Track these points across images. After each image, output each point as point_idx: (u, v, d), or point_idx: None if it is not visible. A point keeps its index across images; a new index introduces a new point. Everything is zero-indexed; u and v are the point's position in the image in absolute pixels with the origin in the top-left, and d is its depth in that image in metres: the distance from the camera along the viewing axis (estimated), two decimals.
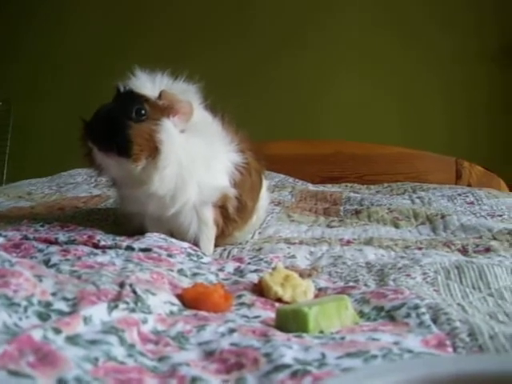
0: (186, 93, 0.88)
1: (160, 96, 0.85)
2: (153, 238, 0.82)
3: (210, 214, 0.89)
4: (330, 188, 1.75)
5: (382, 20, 2.88)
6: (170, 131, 0.82)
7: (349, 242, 0.97)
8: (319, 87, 2.89)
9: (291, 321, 0.53)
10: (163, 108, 0.84)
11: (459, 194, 1.52)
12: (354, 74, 2.88)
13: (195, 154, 0.85)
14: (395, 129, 2.77)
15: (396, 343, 0.46)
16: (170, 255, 0.74)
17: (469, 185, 1.94)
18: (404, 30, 2.86)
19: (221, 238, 0.93)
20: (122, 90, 0.86)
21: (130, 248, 0.75)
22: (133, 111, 0.83)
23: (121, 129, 0.82)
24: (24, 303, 0.50)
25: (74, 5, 3.33)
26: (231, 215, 0.91)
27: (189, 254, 0.77)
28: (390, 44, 2.89)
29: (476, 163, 2.09)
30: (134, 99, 0.85)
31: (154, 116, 0.83)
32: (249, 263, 0.78)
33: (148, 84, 0.87)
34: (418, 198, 1.52)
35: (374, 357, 0.43)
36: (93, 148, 0.84)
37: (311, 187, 1.75)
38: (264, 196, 1.04)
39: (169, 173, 0.82)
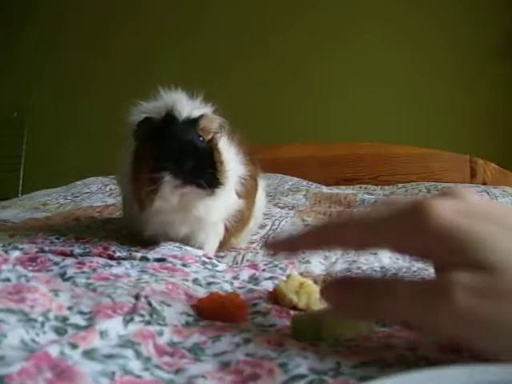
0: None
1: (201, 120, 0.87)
2: (167, 247, 0.83)
3: (222, 229, 0.93)
4: (344, 190, 1.74)
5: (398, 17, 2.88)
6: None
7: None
8: (331, 89, 2.89)
9: (306, 329, 0.53)
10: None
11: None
12: (365, 74, 2.88)
13: None
14: (408, 129, 2.76)
15: (412, 349, 0.46)
16: (184, 264, 0.74)
17: (483, 183, 1.93)
18: (415, 30, 2.85)
19: (218, 247, 0.96)
20: (179, 117, 0.85)
21: (144, 258, 0.75)
22: (200, 140, 0.85)
23: (211, 161, 0.84)
24: (41, 319, 0.50)
25: (85, 10, 3.36)
26: (230, 226, 0.94)
27: (203, 263, 0.78)
28: (400, 44, 2.88)
29: (490, 161, 2.09)
30: (194, 127, 0.85)
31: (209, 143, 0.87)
32: (263, 270, 0.78)
33: (190, 108, 0.87)
34: None
35: (390, 365, 0.43)
36: (165, 181, 0.81)
37: (325, 189, 1.75)
38: (261, 198, 1.06)
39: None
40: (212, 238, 0.92)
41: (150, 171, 0.81)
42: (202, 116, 0.86)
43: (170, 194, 0.82)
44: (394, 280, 0.46)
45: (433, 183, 1.79)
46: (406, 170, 2.07)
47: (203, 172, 0.82)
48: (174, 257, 0.77)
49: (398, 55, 2.85)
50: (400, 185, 1.83)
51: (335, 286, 0.48)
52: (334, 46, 2.93)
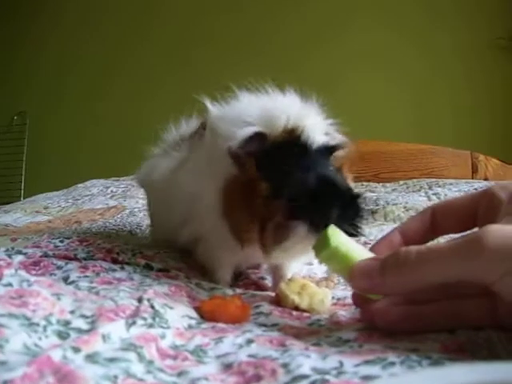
0: None
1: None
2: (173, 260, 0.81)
3: None
4: None
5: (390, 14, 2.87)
6: None
7: (366, 244, 0.96)
8: (331, 87, 2.88)
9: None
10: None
11: (476, 189, 1.51)
12: (365, 72, 2.88)
13: None
14: (408, 125, 2.76)
15: (414, 350, 0.46)
16: (187, 277, 0.73)
17: (485, 178, 1.93)
18: (416, 24, 2.84)
19: None
20: (311, 143, 0.66)
21: (148, 266, 0.75)
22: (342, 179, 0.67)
23: (357, 207, 0.64)
24: (43, 323, 0.50)
25: (94, 15, 3.37)
26: None
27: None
28: (401, 40, 2.87)
29: (492, 156, 2.08)
30: (329, 157, 0.67)
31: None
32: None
33: (322, 129, 0.69)
34: (434, 194, 1.52)
35: (392, 364, 0.43)
36: (299, 231, 0.62)
37: None
38: None
39: None
40: None
41: (282, 215, 0.62)
42: (339, 145, 0.69)
43: (297, 244, 0.62)
44: (425, 247, 0.48)
45: (434, 180, 1.79)
46: (407, 166, 2.06)
47: (347, 221, 0.62)
48: (179, 269, 0.76)
49: (399, 51, 2.85)
50: (401, 182, 1.83)
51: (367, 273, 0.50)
52: (331, 39, 2.93)
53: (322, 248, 0.54)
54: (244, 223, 0.64)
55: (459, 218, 0.54)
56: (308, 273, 0.81)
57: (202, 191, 0.70)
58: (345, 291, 0.72)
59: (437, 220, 0.55)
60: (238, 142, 0.65)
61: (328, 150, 0.67)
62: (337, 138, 0.70)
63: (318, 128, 0.67)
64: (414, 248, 0.47)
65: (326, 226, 0.57)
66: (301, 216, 0.61)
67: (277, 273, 0.76)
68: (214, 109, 0.74)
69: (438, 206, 0.56)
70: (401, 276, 0.47)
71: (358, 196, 0.64)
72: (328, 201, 0.61)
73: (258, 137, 0.65)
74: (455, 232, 0.56)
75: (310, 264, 0.84)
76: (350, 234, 0.60)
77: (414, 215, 0.59)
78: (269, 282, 0.78)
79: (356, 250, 0.54)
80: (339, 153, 0.69)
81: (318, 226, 0.60)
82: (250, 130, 0.65)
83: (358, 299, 0.56)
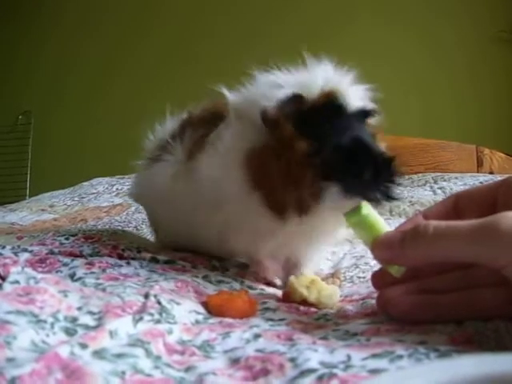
0: None
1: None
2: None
3: None
4: None
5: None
6: None
7: None
8: None
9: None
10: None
11: (481, 182, 1.50)
12: (368, 67, 2.87)
13: None
14: (413, 120, 2.75)
15: (422, 342, 0.46)
16: (194, 266, 0.74)
17: (490, 172, 1.92)
18: (418, 19, 2.83)
19: None
20: (346, 107, 0.64)
21: (154, 260, 0.75)
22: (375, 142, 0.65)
23: (390, 171, 0.62)
24: (50, 319, 0.50)
25: (94, 15, 3.37)
26: None
27: (213, 267, 0.76)
28: (403, 34, 2.87)
29: (497, 150, 2.07)
30: (363, 122, 0.66)
31: None
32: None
33: (356, 94, 0.67)
34: (440, 188, 1.51)
35: (400, 357, 0.43)
36: (331, 193, 0.61)
37: None
38: None
39: None
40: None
41: (317, 175, 0.61)
42: (373, 111, 0.68)
43: (331, 207, 0.61)
44: (444, 223, 0.49)
45: (440, 174, 1.78)
46: (412, 161, 2.05)
47: (380, 184, 0.61)
48: (184, 259, 0.76)
49: (401, 45, 2.84)
50: (407, 176, 1.82)
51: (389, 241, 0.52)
52: (334, 33, 2.92)
53: (353, 214, 0.58)
54: (279, 187, 0.63)
55: (480, 206, 0.55)
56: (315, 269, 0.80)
57: (226, 171, 0.68)
58: (351, 288, 0.72)
59: (459, 206, 0.57)
60: (275, 103, 0.63)
61: (363, 115, 0.66)
62: (371, 104, 0.69)
63: (353, 92, 0.66)
64: (433, 223, 0.48)
65: (360, 190, 0.60)
66: (334, 177, 0.60)
67: (287, 269, 0.75)
68: (233, 93, 0.72)
69: (461, 193, 0.58)
70: (418, 248, 0.49)
71: (391, 160, 0.62)
72: (362, 163, 0.60)
73: (296, 99, 0.63)
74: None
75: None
76: (385, 198, 0.61)
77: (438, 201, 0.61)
78: (278, 280, 0.78)
79: (383, 224, 0.57)
80: (373, 120, 0.68)
81: (351, 189, 0.60)
82: (287, 92, 0.63)
83: (378, 281, 0.58)
